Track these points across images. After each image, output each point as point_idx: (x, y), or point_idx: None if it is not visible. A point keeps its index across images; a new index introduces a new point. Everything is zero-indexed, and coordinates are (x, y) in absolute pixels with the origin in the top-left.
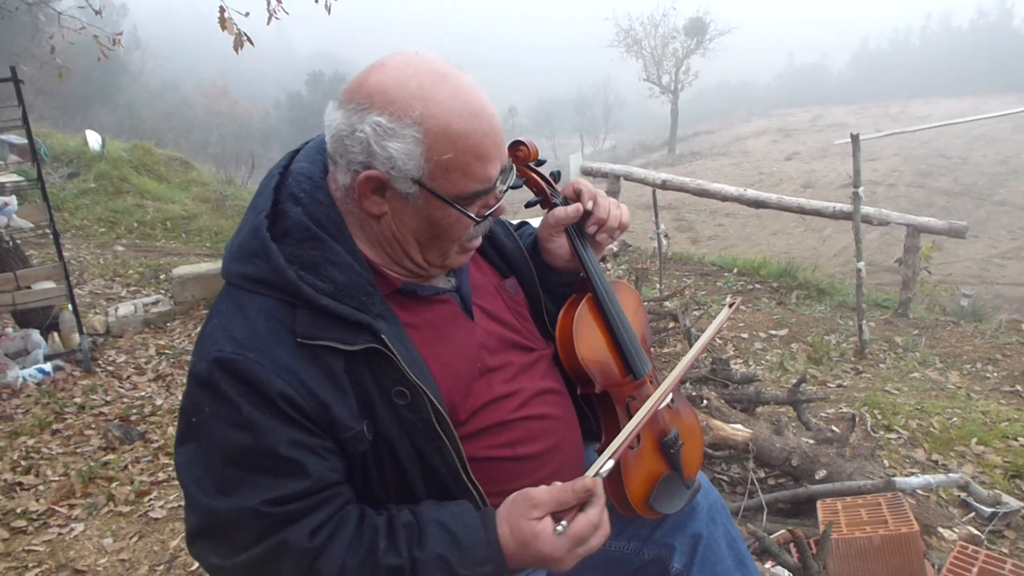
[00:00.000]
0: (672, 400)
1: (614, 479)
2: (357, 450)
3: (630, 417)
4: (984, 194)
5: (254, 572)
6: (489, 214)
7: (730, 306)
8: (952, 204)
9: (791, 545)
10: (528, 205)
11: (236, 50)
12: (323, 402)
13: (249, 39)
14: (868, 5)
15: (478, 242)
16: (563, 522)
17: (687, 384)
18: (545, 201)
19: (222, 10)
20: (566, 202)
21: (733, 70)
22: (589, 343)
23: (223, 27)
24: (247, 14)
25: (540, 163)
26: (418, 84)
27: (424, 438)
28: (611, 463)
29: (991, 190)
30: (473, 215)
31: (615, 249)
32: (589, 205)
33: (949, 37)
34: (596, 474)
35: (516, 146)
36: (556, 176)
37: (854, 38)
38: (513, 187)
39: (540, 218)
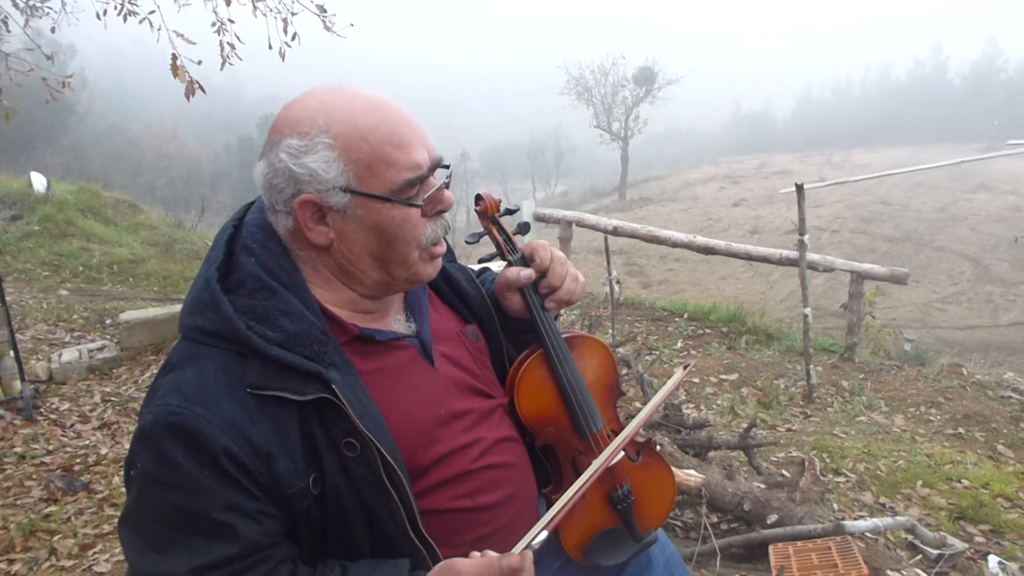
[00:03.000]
0: (637, 453)
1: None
2: (301, 505)
3: (576, 473)
4: (924, 240)
5: None
6: (439, 209)
7: (684, 367)
8: (894, 250)
9: None
10: (481, 260)
11: (188, 97)
12: (267, 455)
13: (201, 87)
14: (810, 56)
15: (442, 248)
16: None
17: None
18: (502, 256)
19: (174, 58)
20: (523, 260)
21: (681, 117)
22: (532, 398)
23: (175, 74)
24: (199, 62)
25: (509, 212)
26: (317, 100)
27: (372, 492)
28: (544, 534)
29: (931, 236)
30: (416, 204)
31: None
32: (545, 266)
33: (888, 87)
34: (527, 547)
35: (477, 200)
36: (524, 228)
37: (798, 88)
38: (472, 241)
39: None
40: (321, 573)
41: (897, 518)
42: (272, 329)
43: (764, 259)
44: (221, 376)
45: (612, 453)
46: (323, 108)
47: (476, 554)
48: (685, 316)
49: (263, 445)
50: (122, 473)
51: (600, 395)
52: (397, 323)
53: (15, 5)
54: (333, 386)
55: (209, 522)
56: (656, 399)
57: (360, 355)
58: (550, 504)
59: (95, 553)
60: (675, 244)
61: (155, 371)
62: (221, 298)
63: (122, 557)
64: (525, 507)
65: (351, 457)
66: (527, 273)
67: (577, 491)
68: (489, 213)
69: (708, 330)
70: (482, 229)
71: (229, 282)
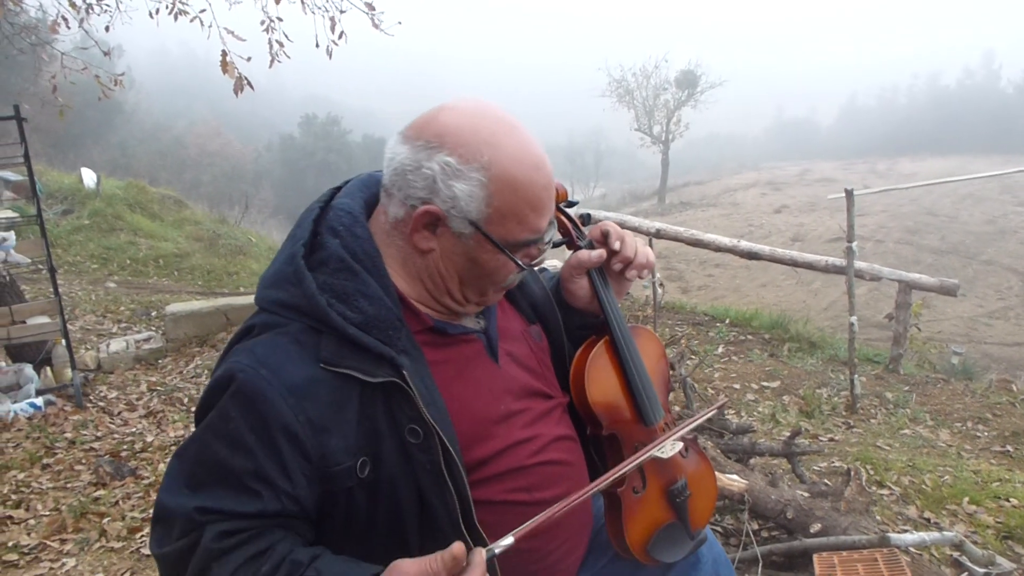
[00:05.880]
0: (685, 449)
1: (615, 520)
2: (343, 485)
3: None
4: (972, 253)
5: (170, 566)
6: (534, 263)
7: (719, 407)
8: (939, 262)
9: None
10: (554, 246)
11: (236, 93)
12: (321, 428)
13: (249, 83)
14: (855, 62)
15: (514, 284)
16: None
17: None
18: (571, 243)
19: (224, 54)
20: (591, 245)
21: (722, 122)
22: (600, 383)
23: (224, 70)
24: (249, 59)
25: (571, 204)
26: (489, 131)
27: (429, 480)
28: (510, 540)
29: (979, 249)
30: (519, 262)
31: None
32: (616, 246)
33: (936, 96)
34: (489, 549)
35: None
36: (585, 219)
37: (842, 94)
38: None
39: (552, 262)
40: (298, 548)
41: (945, 533)
42: (351, 309)
43: (809, 266)
44: (293, 346)
45: (657, 444)
46: (492, 143)
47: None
48: (727, 321)
49: (319, 418)
50: (167, 461)
51: (657, 386)
52: (467, 318)
53: (72, 4)
54: (404, 372)
55: (238, 482)
56: (687, 427)
57: (430, 345)
58: (608, 500)
59: (143, 536)
60: (718, 248)
61: (199, 363)
62: (305, 274)
63: None
64: (580, 505)
65: (413, 443)
66: (598, 252)
67: (619, 471)
68: (559, 200)
69: (750, 336)
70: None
71: (313, 260)
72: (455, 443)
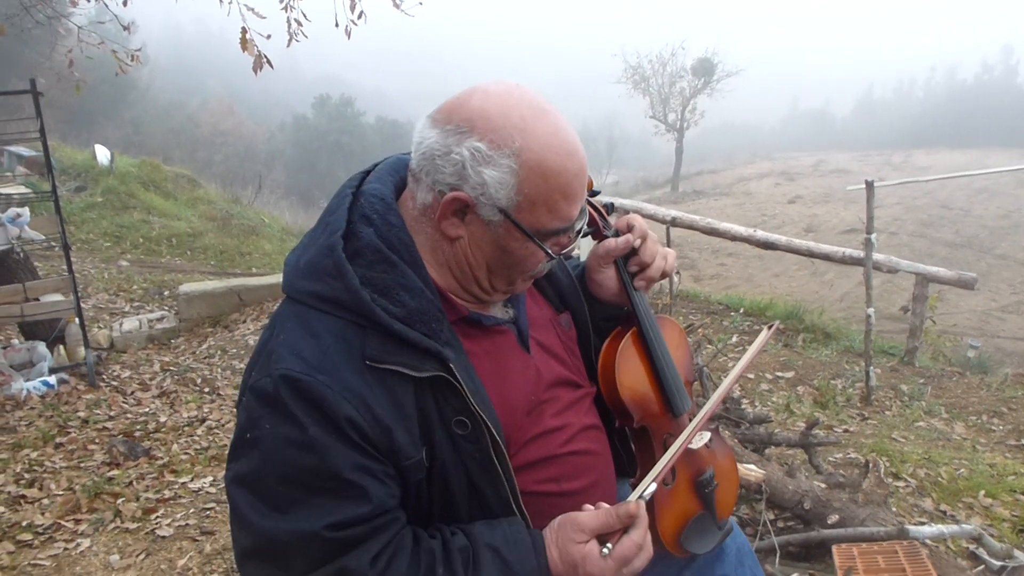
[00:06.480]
0: (710, 440)
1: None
2: (415, 477)
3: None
4: (985, 247)
5: None
6: (564, 252)
7: (769, 327)
8: (953, 255)
9: None
10: (581, 235)
11: (256, 71)
12: (387, 428)
13: (269, 62)
14: (873, 54)
15: (543, 273)
16: (608, 545)
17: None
18: (596, 232)
19: (244, 31)
20: (617, 235)
21: (737, 111)
22: (631, 376)
23: (244, 48)
24: (269, 36)
25: (594, 194)
26: (520, 116)
27: (479, 469)
28: (653, 486)
29: (992, 243)
30: (549, 251)
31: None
32: (637, 243)
33: (953, 90)
34: (640, 497)
35: None
36: (609, 208)
37: (859, 86)
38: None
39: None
40: (444, 536)
41: (963, 526)
42: (394, 303)
43: (826, 257)
44: (340, 345)
45: (707, 414)
46: (523, 128)
47: (589, 506)
48: (741, 311)
49: (383, 417)
50: (181, 441)
51: (684, 377)
52: (496, 308)
53: None
54: (451, 365)
55: (339, 482)
56: (746, 358)
57: (466, 336)
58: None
59: (157, 517)
60: (735, 238)
61: (212, 343)
62: (347, 268)
63: (184, 523)
64: (607, 496)
65: (461, 435)
66: (624, 238)
67: (680, 447)
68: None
69: (764, 326)
70: None
71: (347, 250)
72: (501, 433)
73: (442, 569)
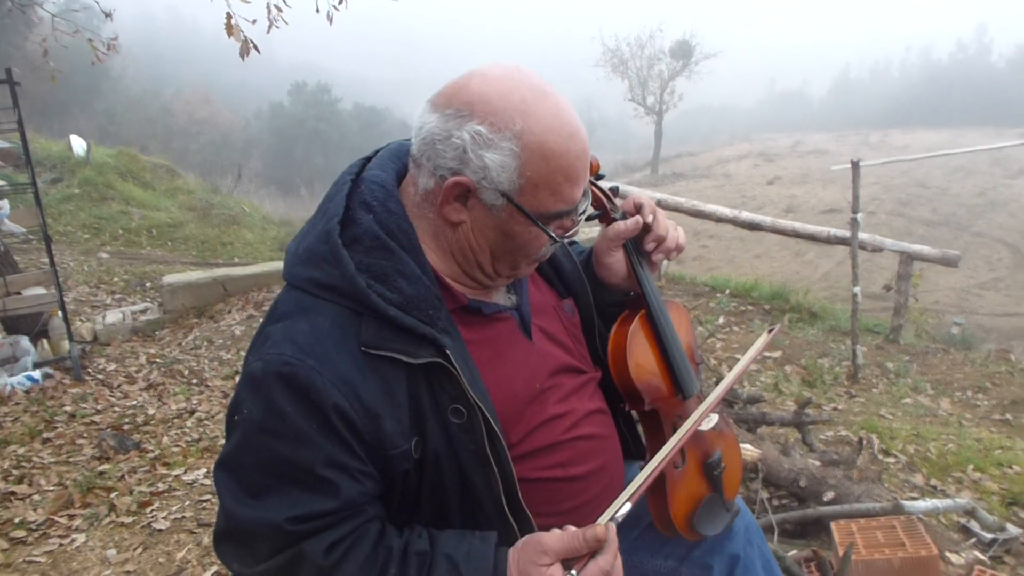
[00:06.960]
0: (716, 423)
1: (659, 498)
2: (401, 468)
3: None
4: (963, 225)
5: None
6: (568, 235)
7: (769, 331)
8: (931, 233)
9: (813, 565)
10: (588, 219)
11: (242, 57)
12: (375, 415)
13: (256, 46)
14: (849, 35)
15: (547, 257)
16: (572, 571)
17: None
18: (604, 216)
19: (229, 16)
20: (625, 217)
21: (715, 93)
22: (642, 360)
23: (230, 34)
24: (254, 21)
25: (599, 177)
26: (520, 98)
27: (472, 460)
28: (627, 507)
29: (969, 221)
30: (553, 234)
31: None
32: (649, 219)
33: (928, 69)
34: (611, 519)
35: None
36: (615, 191)
37: (835, 67)
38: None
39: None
40: (408, 537)
41: (956, 500)
42: (391, 290)
43: (811, 237)
44: (335, 331)
45: (704, 413)
46: (524, 110)
47: (556, 530)
48: (727, 292)
49: (372, 404)
50: (172, 433)
51: (691, 360)
52: (499, 295)
53: None
54: (447, 351)
55: (311, 475)
56: (742, 363)
57: (465, 324)
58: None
59: (153, 511)
60: (720, 219)
61: (198, 334)
62: (343, 253)
63: (181, 515)
64: (615, 479)
65: (456, 424)
66: (634, 220)
67: (658, 465)
68: (591, 173)
69: (750, 307)
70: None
71: (345, 236)
72: (498, 423)
73: (395, 569)
